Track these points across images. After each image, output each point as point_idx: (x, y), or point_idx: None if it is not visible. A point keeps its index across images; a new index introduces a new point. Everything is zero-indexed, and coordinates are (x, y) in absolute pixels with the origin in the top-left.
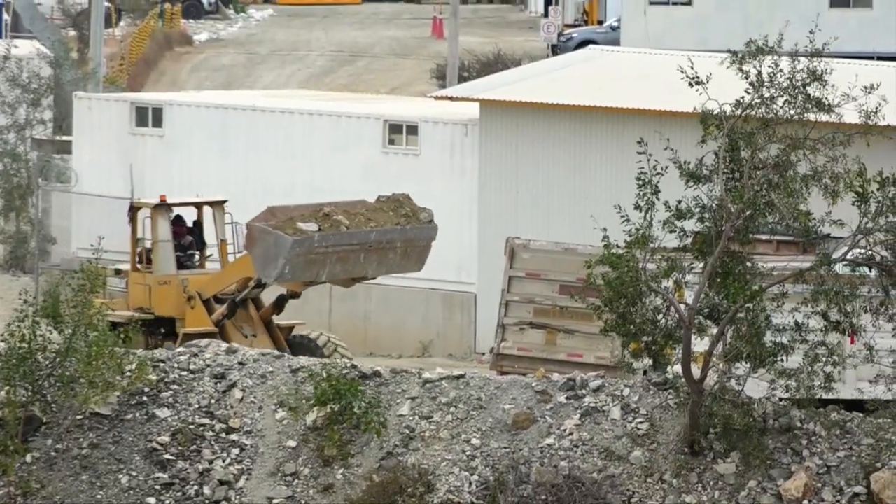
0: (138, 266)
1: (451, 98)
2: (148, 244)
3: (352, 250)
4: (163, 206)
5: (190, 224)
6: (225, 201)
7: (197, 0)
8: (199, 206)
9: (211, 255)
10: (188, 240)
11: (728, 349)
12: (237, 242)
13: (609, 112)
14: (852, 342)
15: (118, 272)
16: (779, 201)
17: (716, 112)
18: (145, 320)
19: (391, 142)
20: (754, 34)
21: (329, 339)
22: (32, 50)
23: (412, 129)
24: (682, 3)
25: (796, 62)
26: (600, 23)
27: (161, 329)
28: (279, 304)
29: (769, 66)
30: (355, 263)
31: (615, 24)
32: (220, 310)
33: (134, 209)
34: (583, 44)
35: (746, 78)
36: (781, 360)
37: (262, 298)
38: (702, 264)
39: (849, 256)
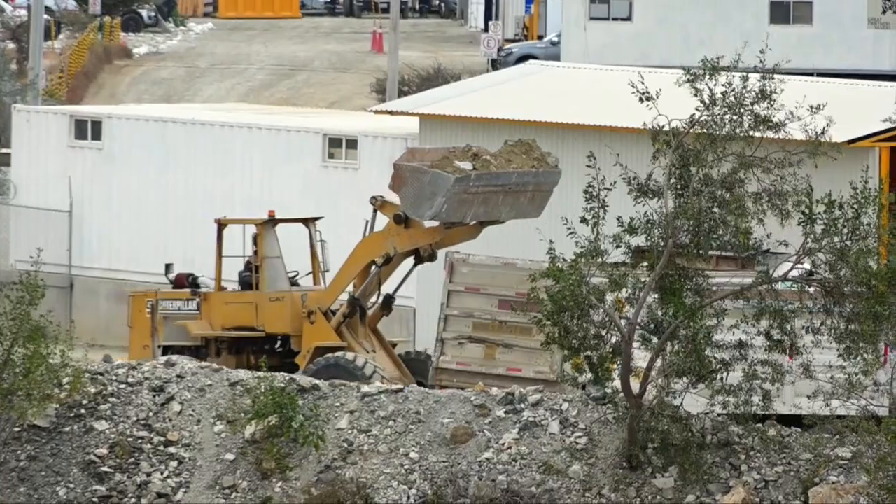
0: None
1: (390, 112)
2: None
3: (494, 192)
4: (271, 222)
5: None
6: (319, 218)
7: (136, 13)
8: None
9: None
10: None
11: (668, 364)
12: (325, 260)
13: (550, 127)
14: (790, 359)
15: (195, 293)
16: (723, 218)
17: (666, 128)
18: (254, 338)
19: (331, 156)
20: (695, 49)
21: None
22: None
23: (352, 143)
24: (623, 19)
25: (747, 81)
26: (540, 38)
27: (265, 346)
28: (387, 303)
29: (722, 85)
30: (494, 206)
31: (555, 38)
32: (341, 310)
33: (221, 225)
34: (523, 58)
35: (696, 95)
36: (722, 378)
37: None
38: (647, 279)
39: (791, 275)
